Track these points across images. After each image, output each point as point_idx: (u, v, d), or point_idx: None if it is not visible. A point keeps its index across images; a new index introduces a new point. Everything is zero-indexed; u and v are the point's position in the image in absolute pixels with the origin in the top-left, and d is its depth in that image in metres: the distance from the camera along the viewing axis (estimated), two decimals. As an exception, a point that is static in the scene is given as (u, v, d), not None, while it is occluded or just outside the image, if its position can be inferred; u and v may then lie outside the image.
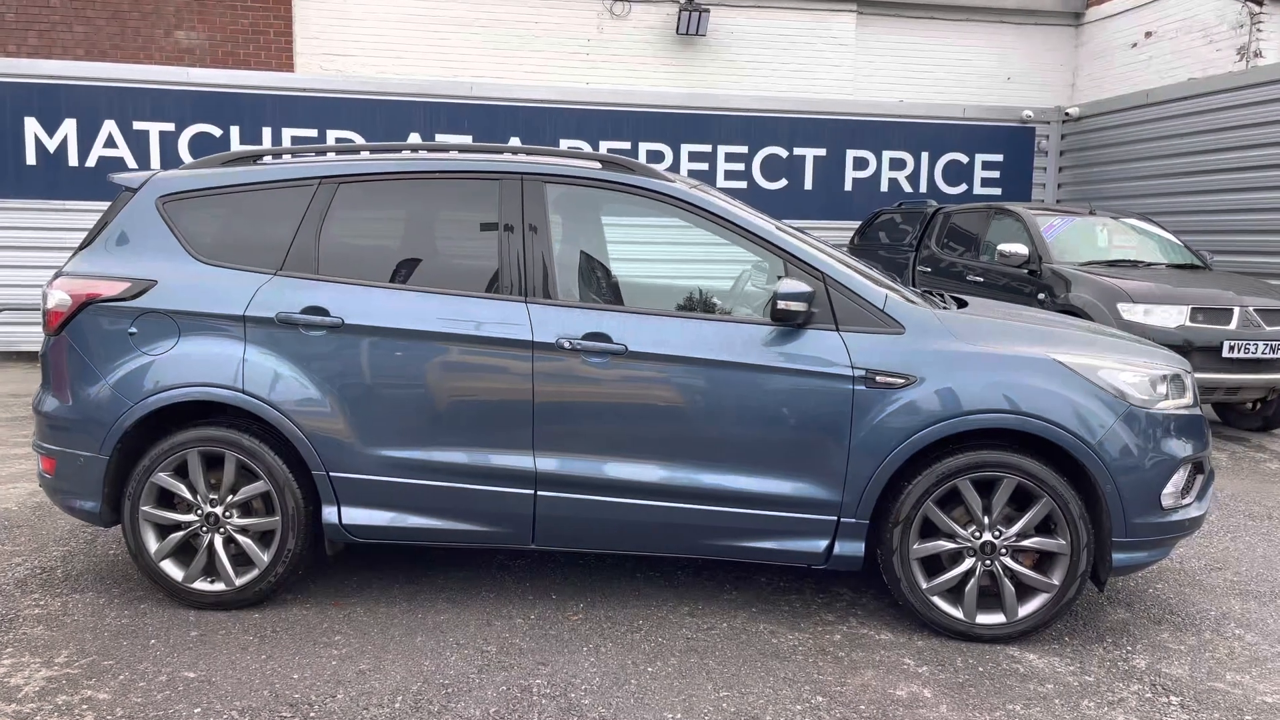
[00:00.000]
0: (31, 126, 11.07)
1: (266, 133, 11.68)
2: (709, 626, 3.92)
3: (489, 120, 12.38)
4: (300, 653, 3.63)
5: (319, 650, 3.65)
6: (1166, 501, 3.81)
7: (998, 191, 13.47)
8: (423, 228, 4.16)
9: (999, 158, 13.65)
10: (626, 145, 12.72)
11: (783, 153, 13.07)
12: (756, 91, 13.47)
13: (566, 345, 3.81)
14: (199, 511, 4.00)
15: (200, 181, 4.15)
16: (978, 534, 3.80)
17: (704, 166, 12.93)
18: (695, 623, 3.95)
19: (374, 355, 3.90)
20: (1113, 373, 3.78)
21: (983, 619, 3.82)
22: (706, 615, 4.03)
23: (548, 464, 3.87)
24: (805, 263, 3.88)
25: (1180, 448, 3.83)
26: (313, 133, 11.91)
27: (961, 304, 4.42)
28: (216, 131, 11.54)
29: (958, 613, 3.83)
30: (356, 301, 3.92)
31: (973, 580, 3.81)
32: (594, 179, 4.03)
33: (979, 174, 13.63)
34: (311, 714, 3.18)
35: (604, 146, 12.64)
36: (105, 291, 4.01)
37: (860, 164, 13.30)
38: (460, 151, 4.23)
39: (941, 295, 4.76)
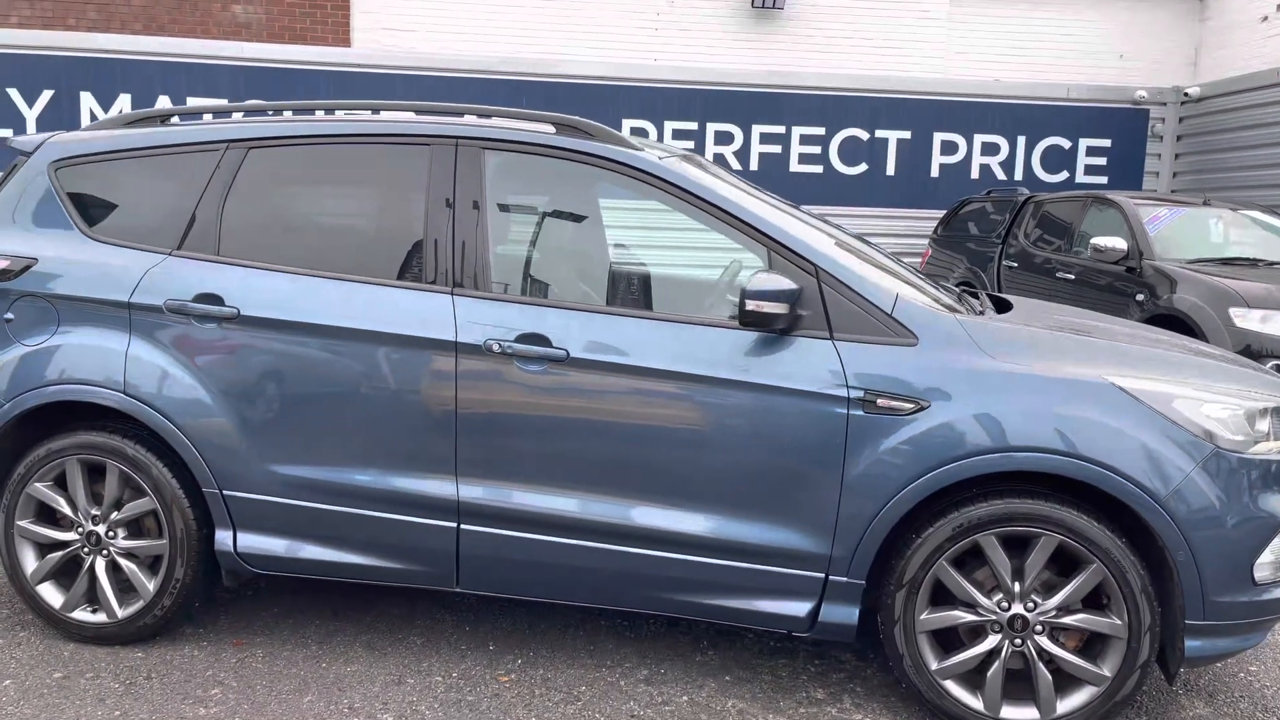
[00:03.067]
0: (87, 101, 10.87)
1: (321, 111, 11.27)
2: (665, 699, 3.17)
3: (549, 97, 11.73)
4: (160, 711, 3.02)
5: (184, 709, 3.03)
6: (1262, 574, 2.91)
7: (1103, 180, 12.23)
8: (341, 201, 3.50)
9: (1106, 143, 12.39)
10: (694, 125, 11.93)
11: (863, 135, 12.09)
12: (836, 69, 12.50)
13: (495, 348, 3.10)
14: (80, 529, 3.43)
15: (97, 145, 3.57)
16: (1005, 604, 2.96)
17: (776, 149, 12.05)
18: (650, 693, 3.21)
19: (273, 353, 3.26)
20: (1192, 404, 2.88)
21: (1010, 713, 2.98)
22: (667, 683, 3.28)
23: (472, 492, 3.17)
24: (794, 252, 3.08)
25: (1283, 503, 2.91)
26: (365, 113, 11.46)
27: (1004, 307, 3.56)
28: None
29: (977, 703, 2.99)
30: (257, 289, 3.28)
31: (997, 663, 2.97)
32: (540, 145, 3.29)
33: (1083, 160, 12.41)
34: (126, 803, 2.56)
35: (670, 127, 11.90)
36: (-20, 270, 3.46)
37: (949, 148, 12.22)
38: (396, 113, 3.54)
39: (978, 295, 3.90)
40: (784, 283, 2.91)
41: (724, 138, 11.95)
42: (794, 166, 12.11)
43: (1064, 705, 2.95)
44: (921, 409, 2.92)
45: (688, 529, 3.06)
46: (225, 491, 3.31)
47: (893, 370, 2.95)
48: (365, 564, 3.30)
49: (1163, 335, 3.63)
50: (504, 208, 3.32)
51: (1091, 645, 2.98)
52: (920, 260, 11.43)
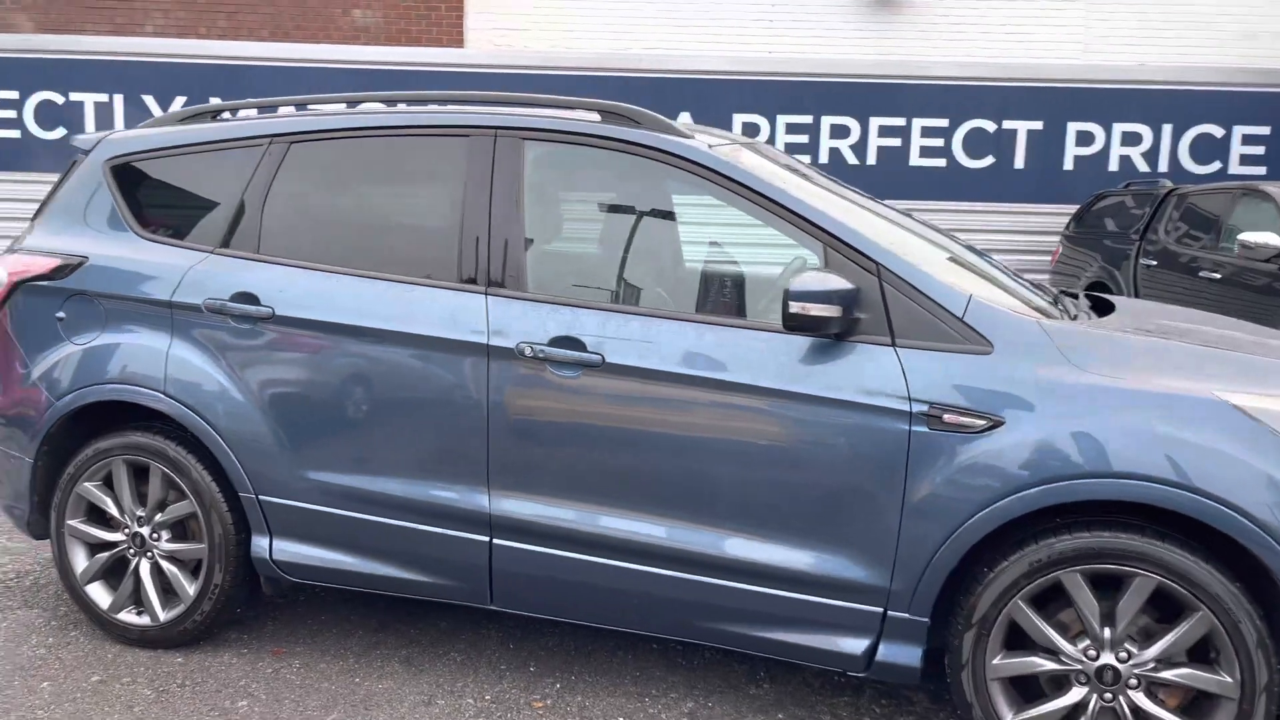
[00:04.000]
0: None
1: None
2: (707, 737, 2.91)
3: (657, 94, 11.51)
4: (184, 721, 2.93)
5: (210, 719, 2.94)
6: None
7: (1261, 171, 11.24)
8: (380, 196, 3.34)
9: (1265, 130, 11.40)
10: (808, 119, 11.53)
11: (990, 126, 11.44)
12: (961, 57, 11.87)
13: (528, 352, 2.89)
14: (126, 530, 3.39)
15: (149, 142, 3.53)
16: (1093, 653, 2.57)
17: (895, 142, 11.52)
18: (693, 728, 2.95)
19: (306, 354, 3.14)
20: (1324, 426, 2.44)
21: (1096, 777, 2.60)
22: (711, 718, 3.01)
23: (505, 505, 2.97)
24: (853, 248, 2.76)
25: None
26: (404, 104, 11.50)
27: (1106, 310, 3.15)
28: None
29: (1057, 763, 2.62)
30: (292, 287, 3.17)
31: (1084, 719, 2.59)
32: (584, 135, 3.06)
33: (1237, 150, 11.44)
34: (123, 823, 2.46)
35: (782, 120, 11.54)
36: (35, 269, 3.46)
37: (1084, 139, 11.45)
38: (439, 103, 3.38)
39: (1076, 297, 3.49)
40: (836, 282, 2.61)
41: (839, 131, 11.50)
42: (914, 160, 11.55)
43: (1161, 772, 2.54)
44: (995, 426, 2.56)
45: (731, 553, 2.79)
46: (261, 497, 3.21)
47: (963, 381, 2.61)
48: (399, 577, 3.15)
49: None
50: (544, 202, 3.11)
51: (1197, 705, 2.57)
52: (1051, 259, 10.75)
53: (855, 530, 2.69)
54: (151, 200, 3.48)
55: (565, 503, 2.92)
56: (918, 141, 11.59)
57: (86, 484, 3.40)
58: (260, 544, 3.25)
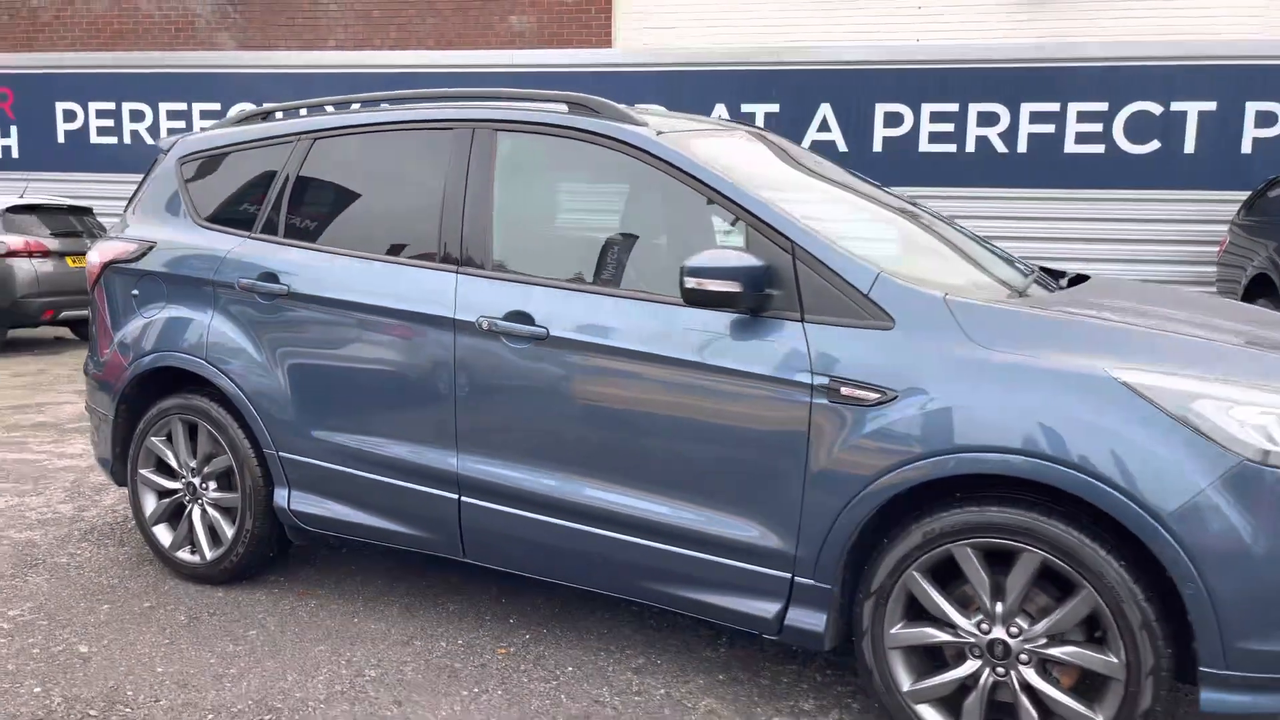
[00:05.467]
0: (385, 112, 12.16)
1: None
2: (641, 690, 3.08)
3: (798, 86, 11.56)
4: (200, 644, 3.38)
5: (219, 645, 3.38)
6: (1314, 621, 2.33)
7: None
8: (380, 186, 3.70)
9: None
10: (953, 107, 11.26)
11: (1155, 109, 10.80)
12: (1125, 37, 11.23)
13: (485, 326, 3.17)
14: (183, 480, 3.91)
15: (212, 141, 4.04)
16: (986, 627, 2.59)
17: (1049, 129, 11.07)
18: (631, 681, 3.13)
19: (312, 326, 3.55)
20: (1219, 405, 2.36)
21: (990, 752, 2.61)
22: (655, 674, 3.19)
23: (470, 466, 3.26)
24: (770, 227, 2.86)
25: (1349, 536, 2.32)
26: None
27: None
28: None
29: (953, 734, 2.65)
30: (304, 267, 3.58)
31: (975, 692, 2.61)
32: (550, 125, 3.30)
33: None
34: (112, 717, 2.90)
35: (926, 110, 11.33)
36: (118, 252, 4.04)
37: (1266, 120, 10.63)
38: (433, 100, 3.69)
39: (1057, 275, 3.43)
40: (736, 259, 2.73)
41: (988, 119, 11.16)
42: (1070, 147, 11.06)
43: (1050, 750, 2.53)
44: (888, 399, 2.62)
45: (657, 516, 2.96)
46: (280, 453, 3.63)
47: (861, 356, 2.68)
48: (388, 529, 3.49)
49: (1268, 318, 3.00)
50: (513, 187, 3.36)
51: (1091, 685, 2.54)
52: (1218, 249, 10.04)
53: (764, 498, 2.80)
54: (209, 192, 3.98)
55: (516, 465, 3.18)
56: (1074, 127, 11.09)
57: (153, 439, 3.94)
58: (281, 495, 3.68)
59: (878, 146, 11.51)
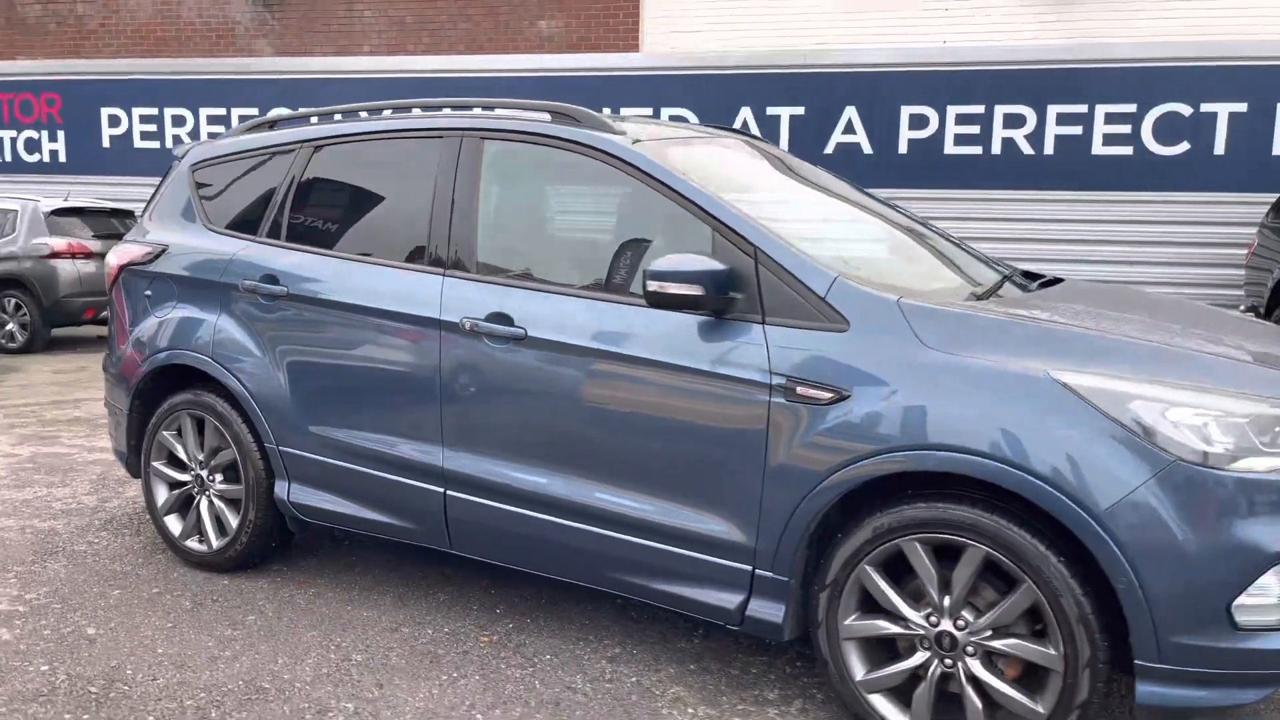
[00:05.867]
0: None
1: (606, 113, 12.00)
2: (614, 677, 3.20)
3: (824, 89, 11.58)
4: (201, 628, 3.55)
5: (219, 629, 3.55)
6: (1247, 618, 2.39)
7: None
8: (375, 192, 3.86)
9: None
10: (979, 109, 11.22)
11: (1184, 110, 10.69)
12: (1150, 38, 11.14)
13: (468, 326, 3.31)
14: (192, 472, 4.09)
15: (221, 149, 4.23)
16: (934, 619, 2.68)
17: (1076, 130, 11.00)
18: (605, 669, 3.25)
19: (307, 326, 3.71)
20: (1154, 406, 2.43)
21: (937, 740, 2.70)
22: (629, 662, 3.30)
23: (454, 461, 3.40)
24: (734, 232, 2.96)
25: (1280, 534, 2.38)
26: (648, 111, 11.98)
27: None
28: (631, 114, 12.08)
29: (902, 723, 2.74)
30: (303, 270, 3.74)
31: (924, 683, 2.70)
32: (532, 134, 3.43)
33: None
34: (112, 694, 3.08)
35: (952, 112, 11.30)
36: (132, 255, 4.23)
37: (1298, 121, 10.47)
38: (424, 110, 3.84)
39: (1034, 277, 3.50)
40: (698, 263, 2.84)
41: (1014, 121, 11.11)
42: (1097, 149, 10.98)
43: (995, 740, 2.62)
44: (841, 399, 2.72)
45: (626, 509, 3.08)
46: (281, 448, 3.80)
47: (816, 356, 2.77)
48: (381, 520, 3.64)
49: (1231, 324, 3.05)
50: (496, 193, 3.49)
51: (1035, 676, 2.61)
52: (1246, 251, 9.94)
53: (726, 493, 2.91)
54: (218, 198, 4.17)
55: (497, 460, 3.31)
56: (1101, 129, 11.01)
57: (164, 433, 4.12)
58: (281, 487, 3.84)
59: (903, 149, 11.51)
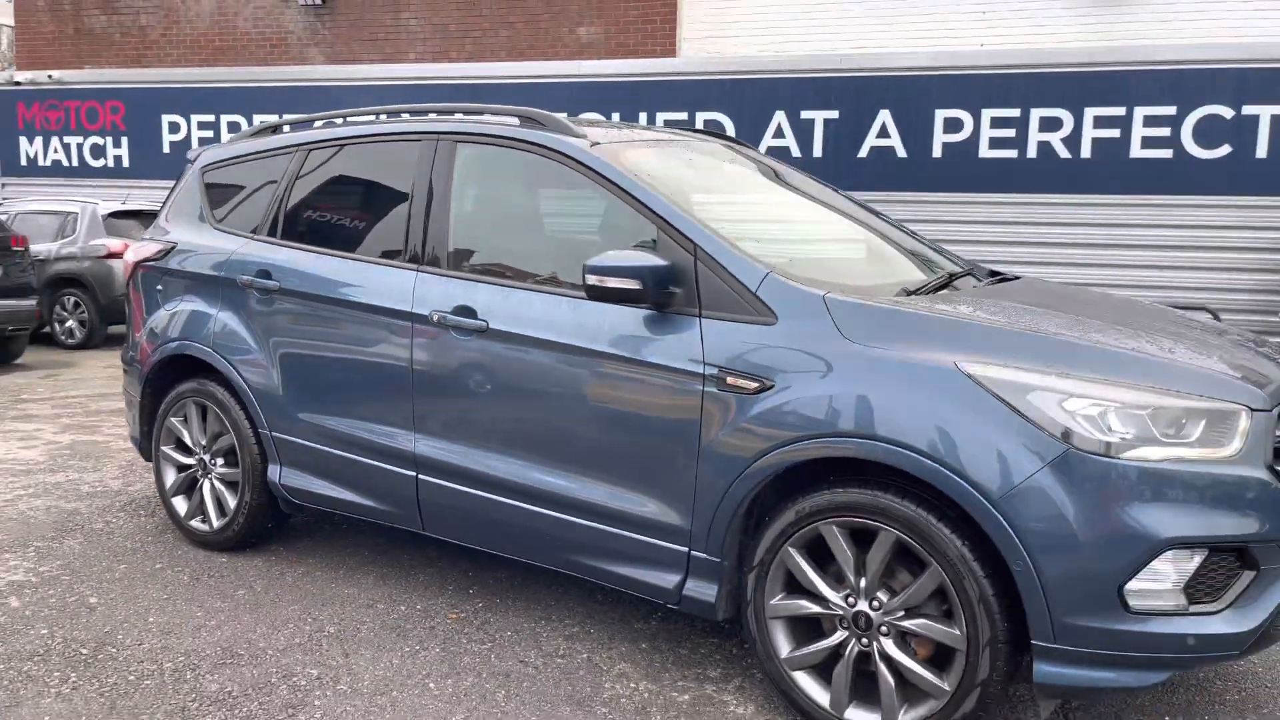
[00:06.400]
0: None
1: (642, 117, 12.17)
2: (566, 654, 3.37)
3: (858, 93, 11.62)
4: (193, 600, 3.80)
5: (209, 601, 3.79)
6: (1140, 602, 2.48)
7: None
8: (359, 192, 4.08)
9: None
10: (1015, 112, 11.16)
11: (1226, 113, 10.53)
12: (1192, 39, 10.99)
13: (436, 319, 3.50)
14: (196, 456, 4.35)
15: (228, 152, 4.49)
16: (851, 600, 2.80)
17: (1114, 133, 10.88)
18: (560, 646, 3.42)
19: (298, 319, 3.93)
20: (1051, 397, 2.52)
21: (854, 715, 2.81)
22: (584, 640, 3.46)
23: (424, 447, 3.60)
24: (677, 230, 3.11)
25: (1172, 521, 2.45)
26: (683, 115, 12.13)
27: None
28: (600, 118, 12.29)
29: (823, 698, 2.85)
30: (293, 265, 3.97)
31: (842, 661, 2.82)
32: (501, 137, 3.62)
33: None
34: (100, 655, 3.32)
35: (987, 115, 11.25)
36: (146, 253, 4.52)
37: (1344, 123, 10.26)
38: (411, 114, 4.05)
39: (991, 274, 3.60)
40: (637, 258, 2.99)
41: (1050, 124, 11.03)
42: (1135, 152, 10.85)
43: (906, 716, 2.72)
44: (766, 389, 2.85)
45: (576, 493, 3.24)
46: (273, 433, 4.04)
47: (744, 348, 2.91)
48: (361, 503, 3.86)
49: (1159, 323, 3.12)
50: (467, 193, 3.68)
51: (945, 655, 2.72)
52: (1286, 256, 9.78)
53: (665, 478, 3.06)
54: (223, 198, 4.43)
55: (463, 445, 3.50)
56: (1139, 132, 10.90)
57: (172, 419, 4.40)
58: (274, 471, 4.08)
59: (937, 152, 11.50)
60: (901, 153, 11.57)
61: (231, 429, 4.16)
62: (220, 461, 4.28)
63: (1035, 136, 11.20)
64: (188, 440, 4.36)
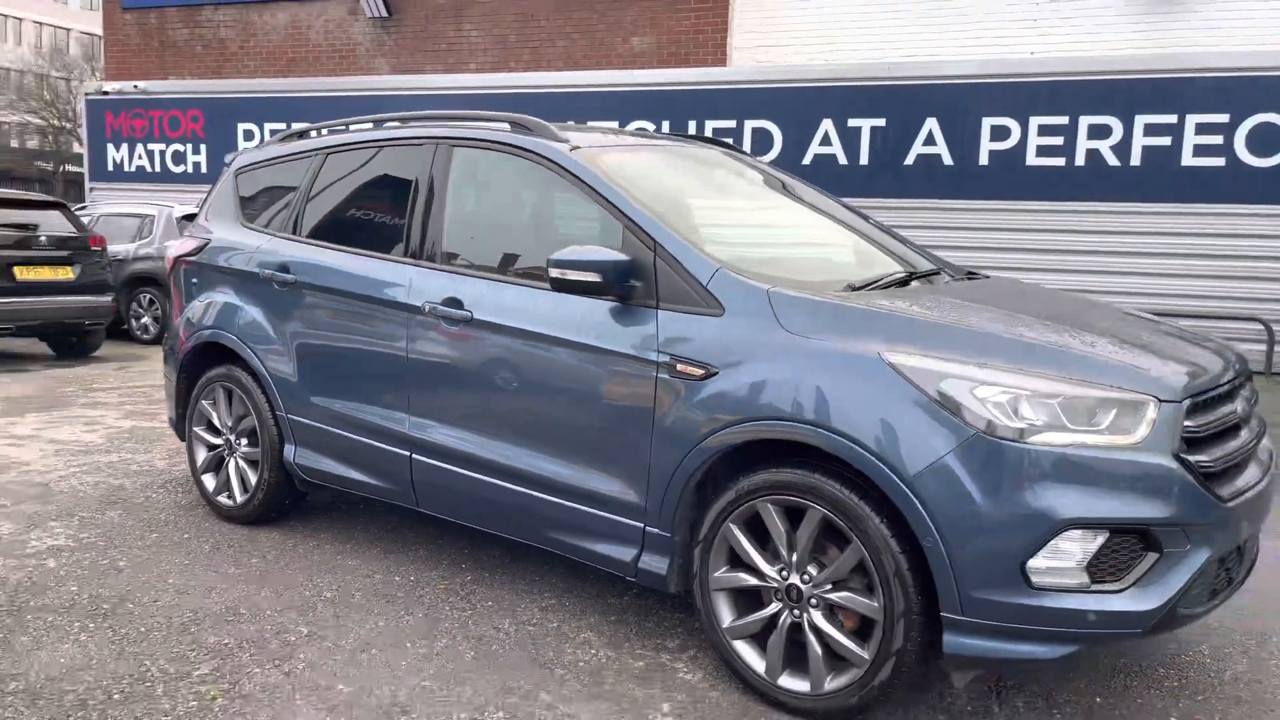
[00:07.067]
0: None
1: (691, 126, 12.40)
2: (538, 623, 3.61)
3: (905, 101, 11.70)
4: (210, 567, 4.13)
5: (224, 568, 4.12)
6: (1043, 578, 2.62)
7: None
8: (369, 192, 4.38)
9: None
10: (1063, 120, 11.13)
11: (1280, 120, 10.36)
12: (1247, 45, 10.83)
13: (428, 309, 3.78)
14: (224, 437, 4.71)
15: (259, 155, 4.86)
16: (785, 574, 2.99)
17: (1164, 141, 10.79)
18: (535, 616, 3.66)
19: (311, 310, 4.26)
20: (963, 384, 2.69)
21: (787, 682, 2.99)
22: (558, 611, 3.70)
23: (417, 428, 3.88)
24: (640, 228, 3.34)
25: (1073, 502, 2.59)
26: (731, 124, 12.34)
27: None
28: (650, 126, 12.56)
29: (760, 666, 3.05)
30: (308, 260, 4.30)
31: (776, 631, 3.01)
32: (491, 141, 3.89)
33: None
34: (119, 610, 3.67)
35: (1035, 123, 11.26)
36: (185, 249, 4.90)
37: (1403, 130, 10.02)
38: (425, 121, 4.34)
39: (969, 274, 3.80)
40: (599, 253, 3.22)
41: (1099, 132, 10.98)
42: (1187, 160, 10.75)
43: (832, 683, 2.90)
44: (711, 375, 3.06)
45: (548, 472, 3.48)
46: (289, 415, 4.37)
47: (693, 338, 3.12)
48: (364, 480, 4.16)
49: (1107, 317, 3.25)
50: (460, 194, 3.96)
51: (868, 627, 2.89)
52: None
53: (624, 458, 3.28)
54: (252, 198, 4.79)
55: (449, 427, 3.77)
56: (1191, 139, 10.78)
57: (203, 402, 4.76)
58: (289, 451, 4.41)
59: (983, 160, 11.51)
60: (948, 160, 11.62)
61: (253, 411, 4.50)
62: (244, 442, 4.62)
63: (1084, 144, 11.15)
64: (216, 422, 4.72)
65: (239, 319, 4.51)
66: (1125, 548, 2.65)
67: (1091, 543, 2.62)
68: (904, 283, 3.57)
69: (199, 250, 4.81)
